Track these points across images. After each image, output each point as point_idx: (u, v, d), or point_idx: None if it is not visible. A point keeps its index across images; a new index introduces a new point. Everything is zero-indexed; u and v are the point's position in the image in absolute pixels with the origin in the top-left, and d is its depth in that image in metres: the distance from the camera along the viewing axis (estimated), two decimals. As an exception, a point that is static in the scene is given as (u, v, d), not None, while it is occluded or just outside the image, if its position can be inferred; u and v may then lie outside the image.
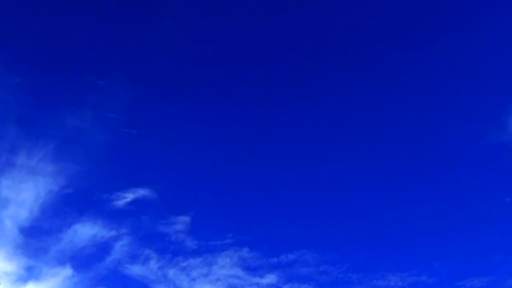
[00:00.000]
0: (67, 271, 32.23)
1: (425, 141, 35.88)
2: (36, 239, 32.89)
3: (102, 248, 33.16)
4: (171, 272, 33.01)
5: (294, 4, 36.15)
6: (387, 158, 35.79)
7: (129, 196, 33.73)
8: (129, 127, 34.85)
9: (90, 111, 34.32)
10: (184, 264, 33.22)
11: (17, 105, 33.67)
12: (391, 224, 34.57)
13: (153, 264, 33.18)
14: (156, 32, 35.23)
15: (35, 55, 34.54)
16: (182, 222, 33.83)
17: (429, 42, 35.85)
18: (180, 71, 35.90)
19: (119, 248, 33.11)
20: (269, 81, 36.38)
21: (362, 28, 36.09)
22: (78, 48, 34.70)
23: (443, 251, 33.81)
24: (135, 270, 32.97)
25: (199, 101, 36.10)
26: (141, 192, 33.98)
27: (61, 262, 32.44)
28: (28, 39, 34.15)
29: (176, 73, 35.78)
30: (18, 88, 33.44)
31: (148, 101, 35.48)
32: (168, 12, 35.21)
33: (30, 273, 31.84)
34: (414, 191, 35.26)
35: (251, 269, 33.15)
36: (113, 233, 33.21)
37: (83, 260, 32.76)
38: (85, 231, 33.12)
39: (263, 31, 35.88)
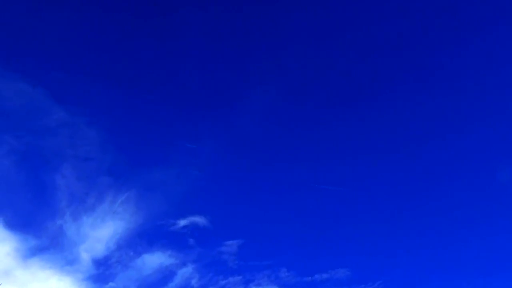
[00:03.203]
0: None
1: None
2: (107, 268, 35.44)
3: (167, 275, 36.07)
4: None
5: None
6: (413, 190, 40.12)
7: (187, 225, 37.92)
8: (205, 180, 40.22)
9: (177, 168, 40.26)
10: (223, 282, 36.62)
11: (109, 159, 40.12)
12: (418, 242, 38.25)
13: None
14: (242, 109, 42.60)
15: (133, 126, 42.14)
16: (231, 245, 37.77)
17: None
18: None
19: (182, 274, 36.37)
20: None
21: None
22: (174, 117, 42.34)
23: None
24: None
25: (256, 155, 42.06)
26: (197, 220, 38.15)
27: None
28: (125, 108, 42.32)
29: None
30: (111, 144, 40.45)
31: (225, 159, 41.42)
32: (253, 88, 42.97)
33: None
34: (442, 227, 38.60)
35: (286, 287, 36.44)
36: (176, 260, 36.92)
37: (148, 286, 34.57)
38: (152, 260, 35.71)
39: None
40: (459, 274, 37.05)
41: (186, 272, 36.53)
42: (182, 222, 37.91)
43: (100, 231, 37.26)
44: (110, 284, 35.93)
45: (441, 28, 41.39)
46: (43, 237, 36.57)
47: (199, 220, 38.12)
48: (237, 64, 43.24)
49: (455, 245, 38.35)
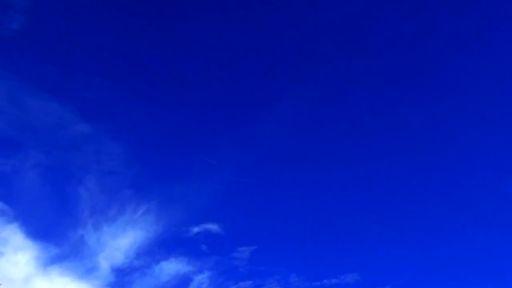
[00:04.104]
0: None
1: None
2: (125, 276, 34.76)
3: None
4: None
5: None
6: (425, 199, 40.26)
7: (201, 232, 38.08)
8: (222, 192, 40.07)
9: (197, 182, 40.34)
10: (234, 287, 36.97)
11: (132, 173, 40.46)
12: (427, 246, 38.50)
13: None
14: (260, 127, 43.07)
15: (157, 141, 42.87)
16: (243, 252, 38.14)
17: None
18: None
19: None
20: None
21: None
22: (196, 133, 42.95)
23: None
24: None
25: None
26: (211, 227, 38.32)
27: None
28: (149, 124, 43.16)
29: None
30: (135, 159, 40.94)
31: (242, 174, 41.68)
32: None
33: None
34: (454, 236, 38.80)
35: (295, 291, 36.37)
36: (193, 268, 37.05)
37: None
38: (169, 267, 35.08)
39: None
40: (469, 278, 36.99)
41: (202, 278, 36.38)
42: (197, 230, 38.22)
43: (120, 240, 37.03)
44: (129, 290, 35.42)
45: (451, 30, 42.18)
46: (64, 246, 36.56)
47: (213, 227, 38.38)
48: (257, 84, 44.22)
49: (466, 249, 38.39)
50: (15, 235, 36.14)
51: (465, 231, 38.96)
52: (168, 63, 43.03)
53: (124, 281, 35.35)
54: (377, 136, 42.44)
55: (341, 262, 38.18)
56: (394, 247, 39.04)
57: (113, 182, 39.78)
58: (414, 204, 40.38)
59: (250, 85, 43.52)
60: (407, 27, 42.77)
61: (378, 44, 43.17)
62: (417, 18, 42.64)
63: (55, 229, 37.33)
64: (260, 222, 40.39)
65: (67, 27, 42.56)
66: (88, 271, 35.54)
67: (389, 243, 39.35)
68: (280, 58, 43.67)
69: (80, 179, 39.24)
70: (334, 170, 42.02)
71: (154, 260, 36.70)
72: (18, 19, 40.46)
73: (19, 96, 40.42)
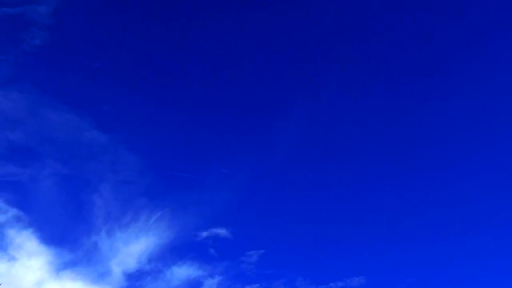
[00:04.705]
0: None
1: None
2: (137, 280, 34.39)
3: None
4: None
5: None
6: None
7: (211, 237, 38.35)
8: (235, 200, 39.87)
9: (210, 191, 40.40)
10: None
11: (147, 182, 40.66)
12: (433, 250, 38.20)
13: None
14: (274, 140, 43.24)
15: (172, 151, 43.25)
16: (251, 256, 38.37)
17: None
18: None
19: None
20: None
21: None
22: (210, 144, 43.30)
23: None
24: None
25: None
26: (220, 232, 38.57)
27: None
28: (165, 135, 43.65)
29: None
30: (149, 169, 41.22)
31: (254, 184, 41.87)
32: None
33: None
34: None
35: (301, 294, 36.37)
36: (204, 272, 37.11)
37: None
38: (180, 272, 34.75)
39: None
40: (476, 281, 36.76)
41: (212, 283, 36.24)
42: (208, 235, 38.46)
43: (133, 246, 36.84)
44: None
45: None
46: (77, 251, 36.49)
47: (222, 232, 38.55)
48: (271, 98, 44.71)
49: (473, 253, 38.14)
50: (29, 241, 36.30)
51: (473, 234, 38.89)
52: (182, 76, 44.14)
53: (136, 286, 35.17)
54: (384, 140, 42.82)
55: (347, 265, 38.59)
56: (400, 250, 39.41)
57: (127, 190, 40.08)
58: (420, 207, 40.64)
59: (262, 96, 44.20)
60: (414, 31, 43.56)
61: (384, 47, 43.91)
62: (425, 23, 43.21)
63: (69, 235, 37.57)
64: (268, 227, 40.84)
65: (86, 43, 44.16)
66: (100, 276, 35.26)
67: (395, 246, 39.72)
68: (292, 66, 44.49)
69: (96, 188, 39.63)
70: (340, 174, 42.44)
71: (166, 265, 36.73)
72: (41, 35, 42.25)
73: (40, 108, 41.60)
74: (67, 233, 37.55)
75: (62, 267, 35.32)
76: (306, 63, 43.95)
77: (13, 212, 36.99)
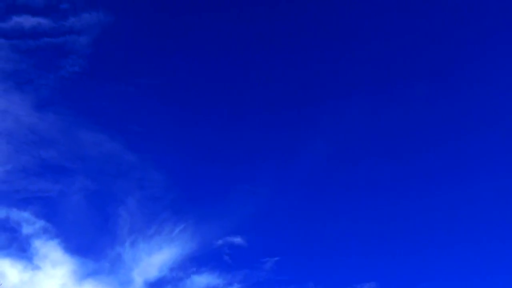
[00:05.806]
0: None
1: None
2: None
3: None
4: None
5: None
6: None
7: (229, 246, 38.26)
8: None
9: (233, 205, 40.25)
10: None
11: (171, 197, 40.78)
12: (446, 256, 37.82)
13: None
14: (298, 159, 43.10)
15: (197, 168, 43.57)
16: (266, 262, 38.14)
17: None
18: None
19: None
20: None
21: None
22: (235, 162, 43.31)
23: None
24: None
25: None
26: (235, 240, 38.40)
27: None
28: (191, 152, 44.08)
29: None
30: (175, 185, 41.54)
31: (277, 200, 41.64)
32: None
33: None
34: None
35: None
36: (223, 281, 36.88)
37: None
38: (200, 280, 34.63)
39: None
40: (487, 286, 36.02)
41: None
42: (228, 244, 38.32)
43: (155, 256, 36.58)
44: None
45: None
46: (100, 261, 36.24)
47: (236, 240, 38.45)
48: (293, 119, 45.03)
49: (489, 257, 37.50)
50: (54, 251, 36.42)
51: (490, 238, 38.14)
52: (204, 95, 45.22)
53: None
54: (390, 153, 42.51)
55: (358, 271, 38.14)
56: (411, 255, 38.98)
57: (153, 205, 40.18)
58: (434, 211, 39.87)
59: (286, 115, 44.51)
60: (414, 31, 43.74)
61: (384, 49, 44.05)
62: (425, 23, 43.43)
63: (94, 246, 37.52)
64: (282, 235, 40.73)
65: (119, 70, 46.21)
66: (122, 285, 34.81)
67: (406, 250, 39.23)
68: (318, 79, 44.81)
69: (122, 203, 39.91)
70: (353, 184, 42.19)
71: (186, 274, 36.52)
72: (80, 63, 44.62)
73: (73, 129, 43.12)
74: (92, 244, 37.65)
75: (85, 276, 35.16)
76: (333, 75, 44.47)
77: (40, 223, 37.51)
